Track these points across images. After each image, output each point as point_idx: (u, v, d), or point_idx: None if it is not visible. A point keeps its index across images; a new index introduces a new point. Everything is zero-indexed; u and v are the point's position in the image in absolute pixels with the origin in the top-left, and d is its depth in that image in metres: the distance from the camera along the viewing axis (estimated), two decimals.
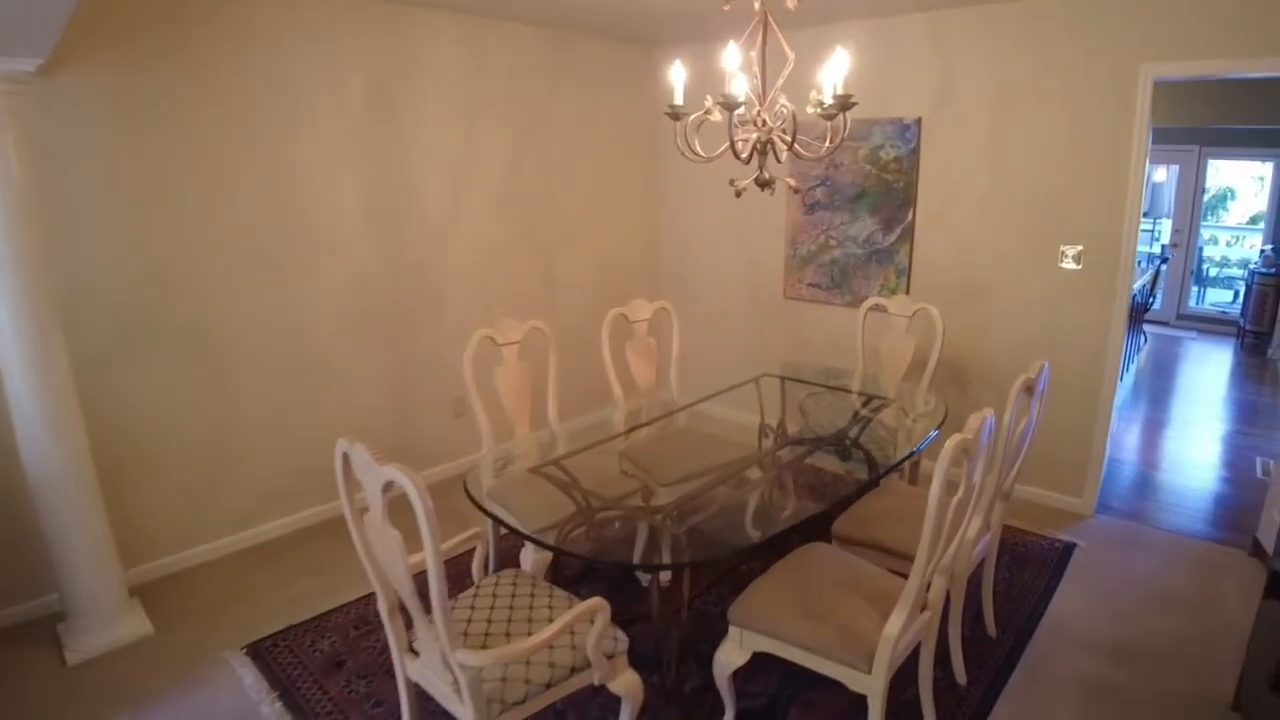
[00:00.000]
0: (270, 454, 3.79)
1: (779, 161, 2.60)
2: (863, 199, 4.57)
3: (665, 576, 2.69)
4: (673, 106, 2.53)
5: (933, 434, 3.14)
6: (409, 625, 2.16)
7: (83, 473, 2.97)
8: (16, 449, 2.87)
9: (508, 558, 3.29)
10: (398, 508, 1.85)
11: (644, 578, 2.86)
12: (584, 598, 2.18)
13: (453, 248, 4.38)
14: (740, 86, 2.34)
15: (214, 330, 3.52)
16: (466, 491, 2.72)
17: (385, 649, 2.59)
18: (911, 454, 3.15)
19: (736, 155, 2.50)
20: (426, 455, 4.37)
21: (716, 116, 2.52)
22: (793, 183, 2.73)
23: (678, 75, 2.55)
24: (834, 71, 2.34)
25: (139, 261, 3.29)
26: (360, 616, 3.20)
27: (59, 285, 2.90)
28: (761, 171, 2.53)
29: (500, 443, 3.28)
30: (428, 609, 1.91)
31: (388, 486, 1.83)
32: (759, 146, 2.53)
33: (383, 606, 2.16)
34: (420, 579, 1.89)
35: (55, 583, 3.03)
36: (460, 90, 4.24)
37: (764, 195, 2.70)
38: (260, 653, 3.00)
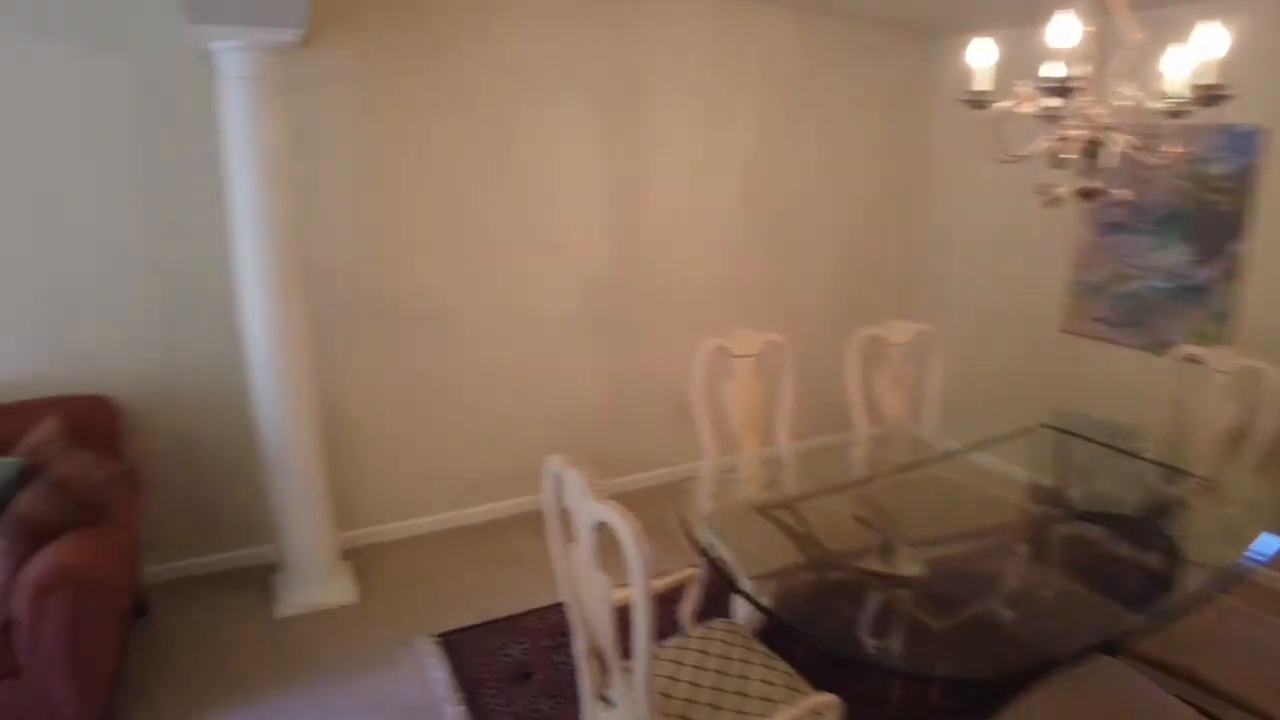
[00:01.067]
0: (482, 439, 3.76)
1: (1099, 167, 2.05)
2: (1174, 222, 3.74)
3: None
4: (976, 93, 2.07)
5: (1270, 540, 2.39)
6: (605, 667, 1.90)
7: (311, 436, 3.05)
8: (252, 406, 2.97)
9: (717, 593, 2.97)
10: (608, 535, 1.59)
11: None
12: (800, 665, 1.80)
13: (687, 247, 4.13)
14: (1057, 71, 1.84)
15: (438, 314, 3.54)
16: (681, 522, 2.41)
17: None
18: (1243, 562, 2.41)
19: (1054, 156, 1.99)
20: (639, 458, 4.17)
21: (1029, 108, 2.03)
22: (1127, 195, 2.15)
23: (984, 56, 2.08)
24: (1196, 55, 1.79)
25: (372, 241, 3.35)
26: (555, 626, 3.02)
27: (302, 255, 2.96)
28: (1088, 177, 2.00)
29: (723, 457, 2.95)
30: (627, 653, 1.62)
31: (599, 526, 1.56)
32: (1087, 147, 1.99)
33: (578, 643, 1.92)
34: (623, 616, 1.61)
35: (275, 535, 3.13)
36: (704, 79, 3.96)
37: (1045, 210, 2.19)
38: (451, 644, 2.92)
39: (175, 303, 3.08)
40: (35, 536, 2.34)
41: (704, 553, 2.28)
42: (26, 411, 2.75)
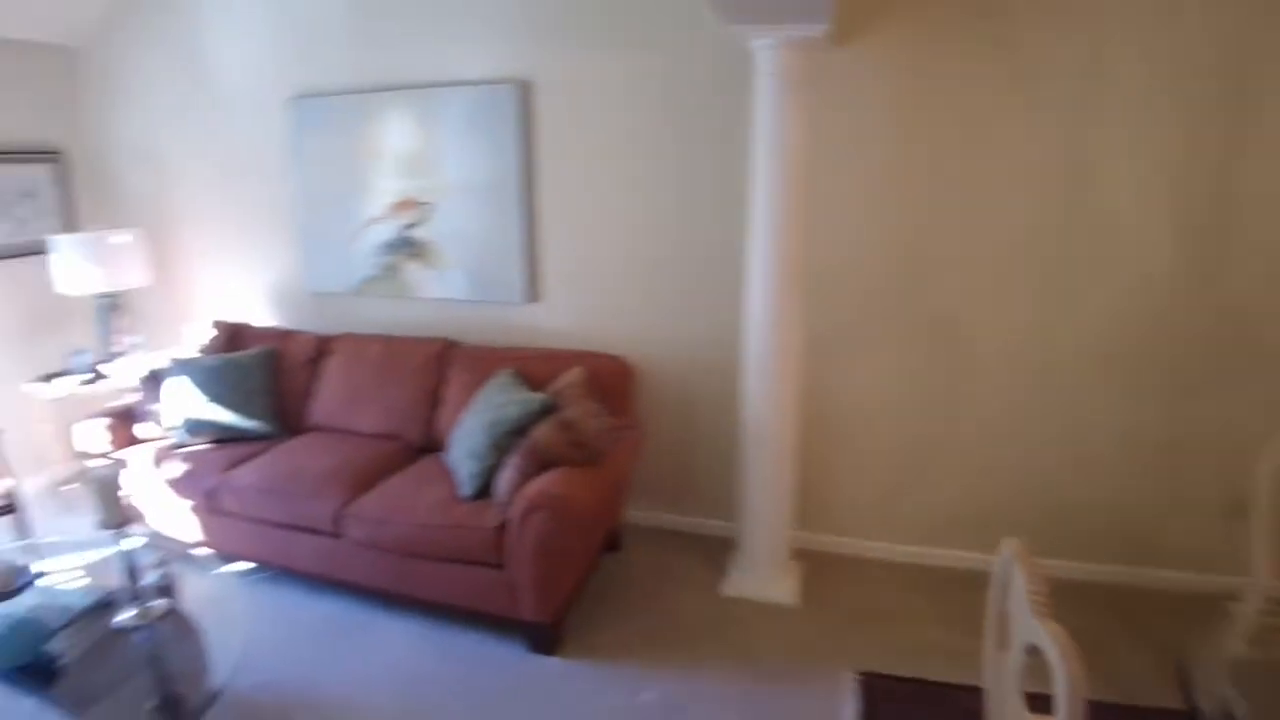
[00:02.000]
0: (971, 477, 3.27)
1: None
2: None
3: None
4: None
5: None
6: None
7: (787, 430, 3.07)
8: (741, 389, 3.06)
9: None
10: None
11: None
12: None
13: None
14: None
15: (949, 335, 3.14)
16: (1181, 662, 1.73)
17: None
18: None
19: None
20: (1154, 547, 3.16)
21: None
22: None
23: None
24: None
25: (890, 248, 3.11)
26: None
27: (808, 256, 2.91)
28: None
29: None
30: None
31: (1032, 649, 1.15)
32: None
33: None
34: None
35: (737, 515, 3.21)
36: None
37: None
38: (871, 689, 2.64)
39: (691, 284, 3.35)
40: (540, 463, 2.77)
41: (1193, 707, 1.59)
42: (562, 359, 3.28)
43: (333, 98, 3.77)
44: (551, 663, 2.75)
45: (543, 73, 3.35)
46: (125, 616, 2.24)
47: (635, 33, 3.19)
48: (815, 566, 3.33)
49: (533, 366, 3.29)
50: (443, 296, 3.78)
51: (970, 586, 3.17)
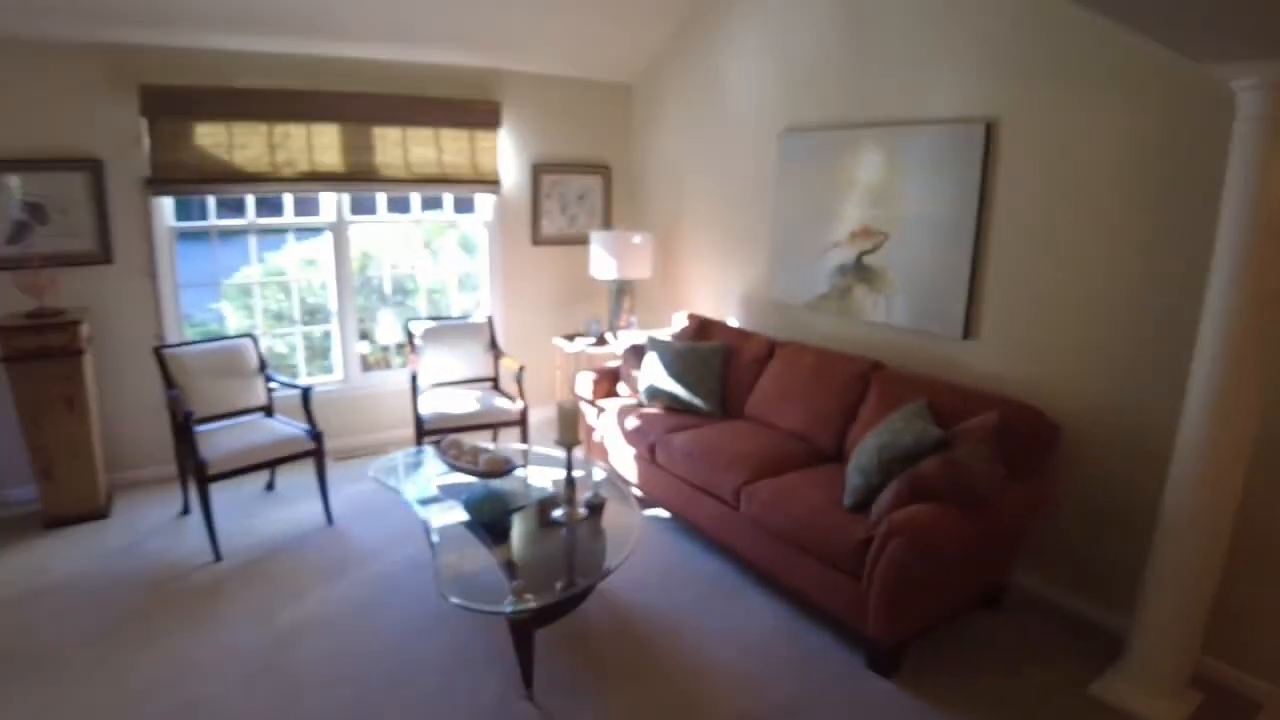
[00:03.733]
0: None
1: None
2: None
3: None
4: None
5: None
6: None
7: (1219, 526, 2.57)
8: (1171, 467, 2.66)
9: None
10: None
11: None
12: None
13: None
14: None
15: None
16: None
17: None
18: None
19: None
20: None
21: None
22: None
23: None
24: None
25: None
26: None
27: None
28: None
29: None
30: None
31: None
32: None
33: None
34: None
35: (1134, 608, 2.80)
36: None
37: None
38: None
39: (1135, 347, 2.98)
40: (918, 491, 2.82)
41: None
42: (979, 400, 3.22)
43: (815, 133, 4.22)
44: (883, 684, 2.80)
45: (1008, 112, 3.29)
46: (558, 512, 2.99)
47: (1103, 73, 2.95)
48: (1219, 705, 2.72)
49: (948, 401, 3.29)
50: (882, 321, 3.96)
51: None
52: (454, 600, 2.49)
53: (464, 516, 3.01)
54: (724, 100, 4.83)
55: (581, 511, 3.03)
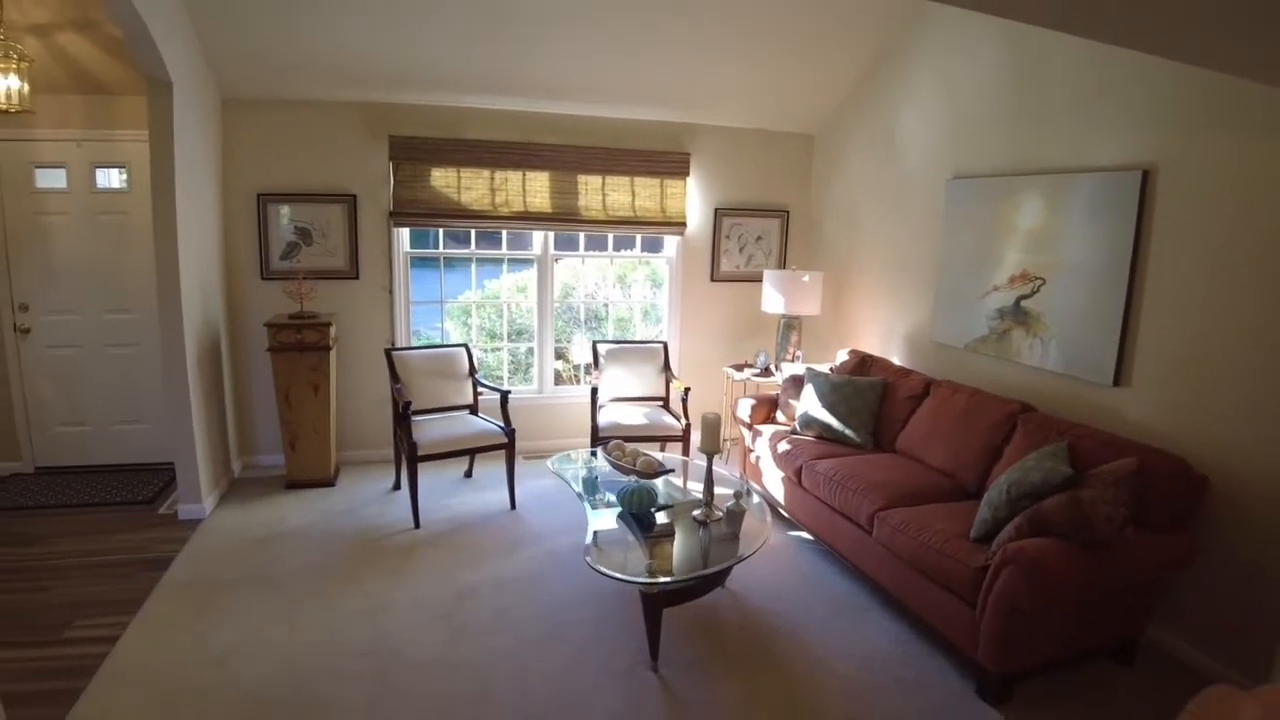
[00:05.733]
0: None
1: None
2: None
3: None
4: None
5: None
6: None
7: None
8: None
9: None
10: None
11: None
12: None
13: None
14: None
15: None
16: None
17: None
18: None
19: None
20: None
21: None
22: None
23: None
24: None
25: None
26: None
27: None
28: None
29: None
30: None
31: None
32: None
33: None
34: None
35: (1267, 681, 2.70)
36: None
37: None
38: None
39: (1260, 395, 2.88)
40: (1038, 526, 2.92)
41: None
42: (1121, 447, 3.22)
43: (980, 180, 4.34)
44: (990, 713, 2.89)
45: (1166, 160, 3.29)
46: (697, 512, 3.38)
47: (1261, 121, 2.90)
48: None
49: (1089, 446, 3.31)
50: (1035, 364, 3.99)
51: None
52: (594, 565, 2.96)
53: (618, 508, 3.49)
54: (897, 148, 5.05)
55: (718, 513, 3.40)
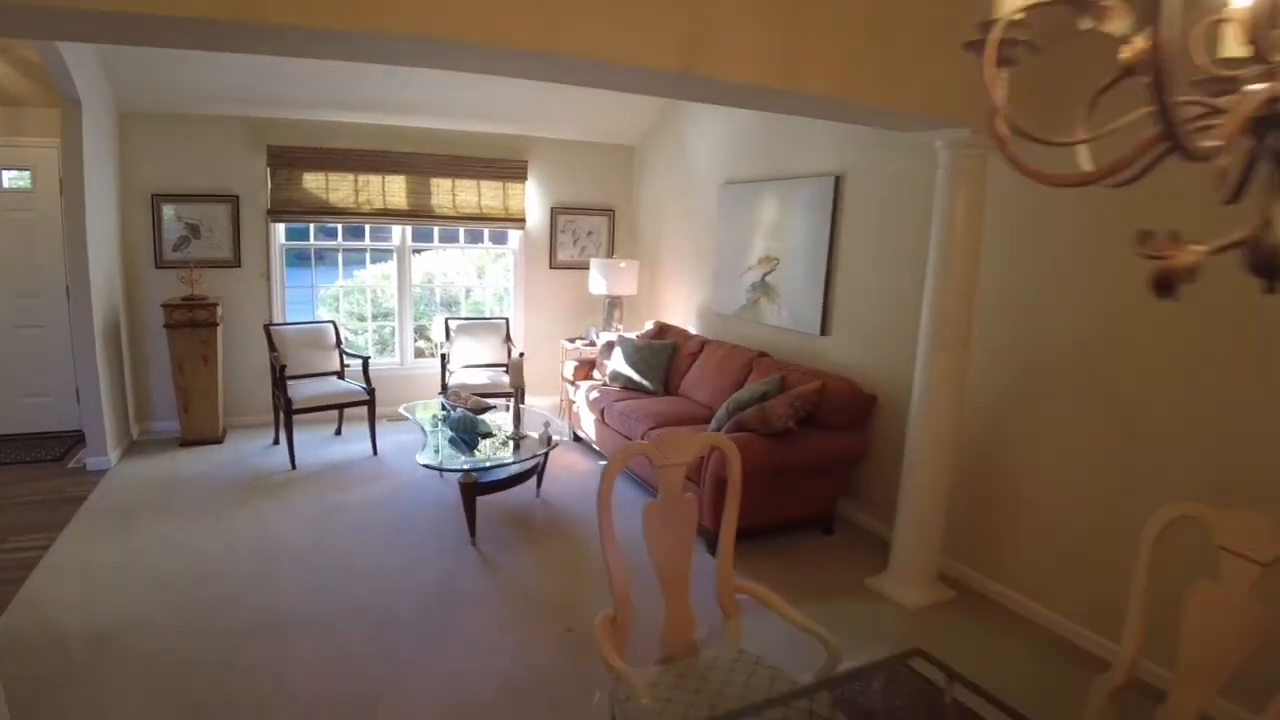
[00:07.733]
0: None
1: None
2: None
3: None
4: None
5: None
6: None
7: (940, 459, 3.74)
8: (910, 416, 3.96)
9: None
10: None
11: None
12: None
13: None
14: None
15: (1125, 410, 3.36)
16: None
17: None
18: None
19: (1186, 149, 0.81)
20: None
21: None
22: None
23: None
24: None
25: (1084, 318, 3.54)
26: None
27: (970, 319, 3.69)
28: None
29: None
30: None
31: None
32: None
33: None
34: None
35: (892, 523, 4.08)
36: None
37: None
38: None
39: (906, 336, 4.29)
40: (739, 425, 4.22)
41: None
42: (815, 376, 4.57)
43: (741, 184, 5.69)
44: (709, 560, 4.18)
45: (851, 168, 4.69)
46: (510, 432, 4.57)
47: (901, 140, 4.30)
48: (963, 600, 3.85)
49: (796, 376, 4.65)
50: (774, 324, 5.36)
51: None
52: (421, 462, 4.09)
53: (450, 433, 4.61)
54: (689, 159, 6.37)
55: (530, 434, 4.58)
